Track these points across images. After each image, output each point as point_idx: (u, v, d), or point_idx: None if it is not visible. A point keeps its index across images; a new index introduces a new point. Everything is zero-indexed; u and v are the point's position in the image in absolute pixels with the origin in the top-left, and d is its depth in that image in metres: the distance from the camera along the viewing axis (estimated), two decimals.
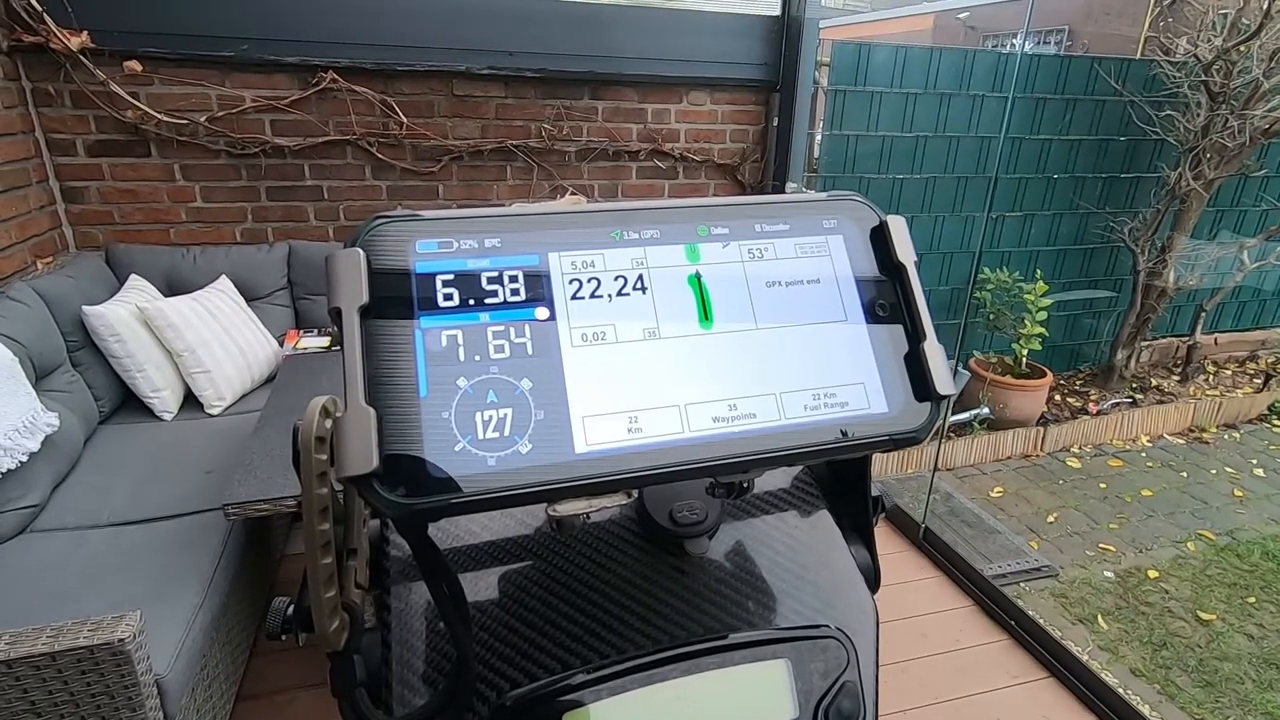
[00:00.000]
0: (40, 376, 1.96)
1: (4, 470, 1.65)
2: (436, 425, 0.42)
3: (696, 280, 0.51)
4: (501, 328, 0.46)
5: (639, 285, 0.49)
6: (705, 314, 0.50)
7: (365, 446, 0.40)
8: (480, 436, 0.43)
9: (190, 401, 2.36)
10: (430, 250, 0.46)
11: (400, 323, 0.44)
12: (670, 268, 0.50)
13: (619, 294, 0.49)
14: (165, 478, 1.93)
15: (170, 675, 1.32)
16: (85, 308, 2.17)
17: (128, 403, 2.32)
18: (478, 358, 0.45)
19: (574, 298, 0.48)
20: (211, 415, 2.33)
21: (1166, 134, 4.05)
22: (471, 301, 0.46)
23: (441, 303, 0.45)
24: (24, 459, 1.70)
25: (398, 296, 0.45)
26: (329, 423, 0.48)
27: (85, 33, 2.38)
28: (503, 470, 0.43)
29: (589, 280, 0.48)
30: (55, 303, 2.11)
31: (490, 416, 0.43)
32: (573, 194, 3.05)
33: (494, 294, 0.46)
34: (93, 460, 2.01)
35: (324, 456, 0.48)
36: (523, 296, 0.47)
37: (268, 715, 1.75)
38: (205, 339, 2.31)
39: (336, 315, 0.43)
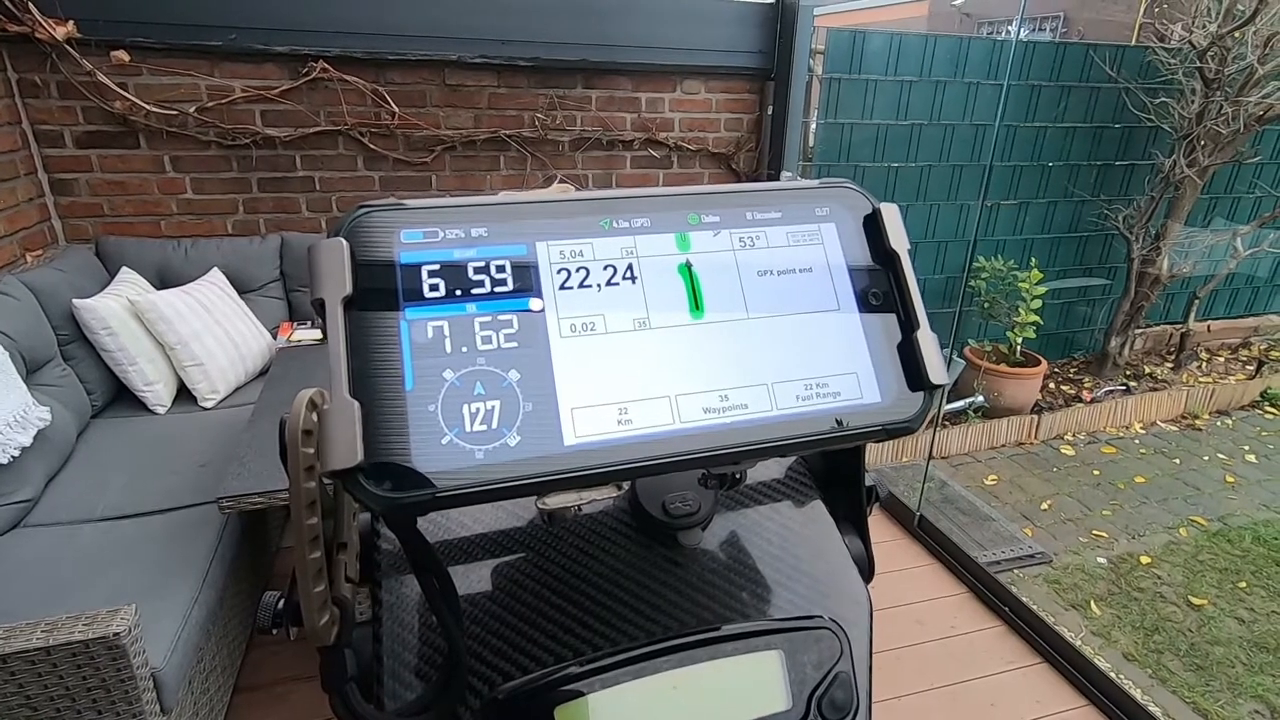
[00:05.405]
0: (31, 370, 1.95)
1: None
2: (423, 418, 0.42)
3: (687, 269, 0.50)
4: (488, 319, 0.45)
5: (629, 275, 0.49)
6: (696, 303, 0.49)
7: (349, 440, 0.40)
8: (467, 429, 0.42)
9: (183, 395, 2.35)
10: (415, 240, 0.46)
11: (385, 314, 0.43)
12: (660, 257, 0.50)
13: (608, 284, 0.48)
14: (159, 471, 1.92)
15: (166, 668, 1.32)
16: (76, 301, 2.15)
17: (120, 396, 2.31)
18: (464, 349, 0.44)
19: (562, 288, 0.47)
20: (205, 408, 2.32)
21: (1161, 121, 4.04)
22: (458, 292, 0.45)
23: (427, 293, 0.44)
24: (16, 454, 1.70)
25: (382, 288, 0.44)
26: (316, 416, 0.48)
27: (71, 22, 2.35)
28: (491, 463, 0.42)
29: (578, 270, 0.48)
30: (45, 296, 2.09)
31: (478, 409, 0.43)
32: (561, 182, 3.03)
33: (481, 284, 0.46)
34: (86, 454, 2.00)
35: (311, 450, 0.47)
36: (510, 287, 0.46)
37: (266, 706, 1.75)
38: (198, 332, 2.29)
39: (320, 307, 0.43)
